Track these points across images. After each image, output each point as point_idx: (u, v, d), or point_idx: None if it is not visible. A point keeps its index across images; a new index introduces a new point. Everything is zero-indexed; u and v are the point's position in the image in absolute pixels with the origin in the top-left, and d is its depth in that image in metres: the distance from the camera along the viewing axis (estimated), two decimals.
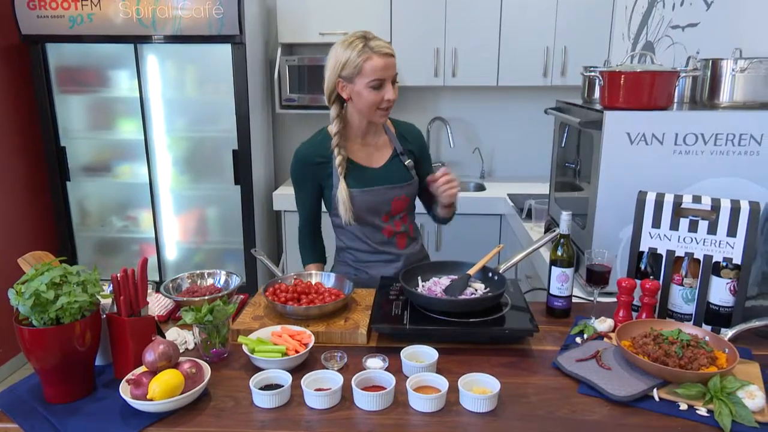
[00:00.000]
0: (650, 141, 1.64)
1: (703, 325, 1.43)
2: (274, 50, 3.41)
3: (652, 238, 1.44)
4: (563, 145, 2.18)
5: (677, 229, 1.41)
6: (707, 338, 1.28)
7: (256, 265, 3.29)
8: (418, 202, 1.88)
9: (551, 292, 1.51)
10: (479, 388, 1.16)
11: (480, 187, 3.57)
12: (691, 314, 1.44)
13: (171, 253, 3.41)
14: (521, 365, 1.30)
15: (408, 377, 1.19)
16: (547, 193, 2.35)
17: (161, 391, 1.06)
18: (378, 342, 1.41)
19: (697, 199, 1.41)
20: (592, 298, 1.48)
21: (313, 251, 1.89)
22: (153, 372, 1.11)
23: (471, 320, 1.38)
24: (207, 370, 1.18)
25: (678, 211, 1.42)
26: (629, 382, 1.17)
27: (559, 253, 1.49)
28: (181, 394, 1.09)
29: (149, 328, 1.21)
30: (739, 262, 1.36)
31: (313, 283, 1.62)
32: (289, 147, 3.77)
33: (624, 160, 1.66)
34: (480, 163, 3.66)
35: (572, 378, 1.23)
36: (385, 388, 1.15)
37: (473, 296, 1.47)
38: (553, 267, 1.50)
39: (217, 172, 3.20)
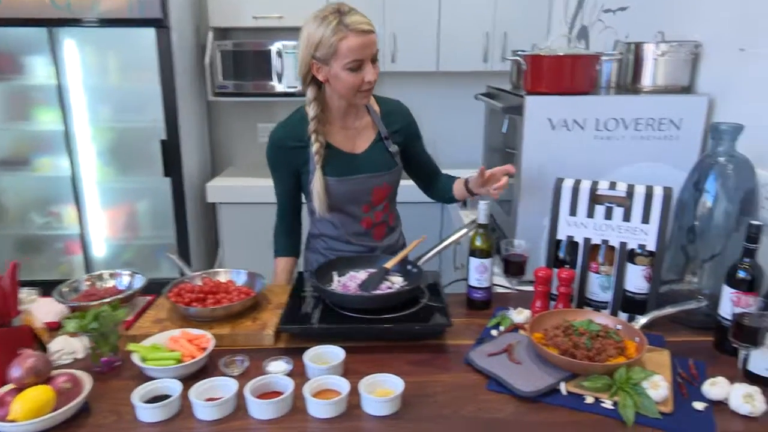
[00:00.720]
0: (572, 126, 1.61)
1: (620, 313, 1.40)
2: (206, 35, 3.26)
3: (569, 225, 1.41)
4: (505, 130, 2.14)
5: (593, 217, 1.38)
6: (619, 327, 1.26)
7: (190, 260, 3.16)
8: (402, 189, 1.77)
9: (470, 283, 1.47)
10: (382, 390, 1.10)
11: None
12: (608, 302, 1.41)
13: (99, 250, 3.24)
14: (434, 362, 1.25)
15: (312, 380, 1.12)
16: None
17: (25, 410, 0.96)
18: (287, 343, 1.33)
19: (612, 185, 1.38)
20: (513, 288, 1.45)
21: (286, 243, 1.74)
22: (21, 390, 1.01)
23: (383, 317, 1.32)
24: (87, 382, 1.08)
25: (594, 198, 1.38)
26: (538, 377, 1.14)
27: (477, 243, 1.44)
28: (52, 412, 0.99)
29: (21, 339, 1.10)
30: (653, 249, 1.34)
31: (224, 281, 1.53)
32: (226, 135, 3.63)
33: (546, 146, 1.62)
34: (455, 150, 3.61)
35: (483, 374, 1.19)
36: (284, 393, 1.08)
37: (387, 291, 1.41)
38: (471, 258, 1.45)
39: (145, 163, 3.04)
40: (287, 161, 1.62)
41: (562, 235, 1.42)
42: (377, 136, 1.65)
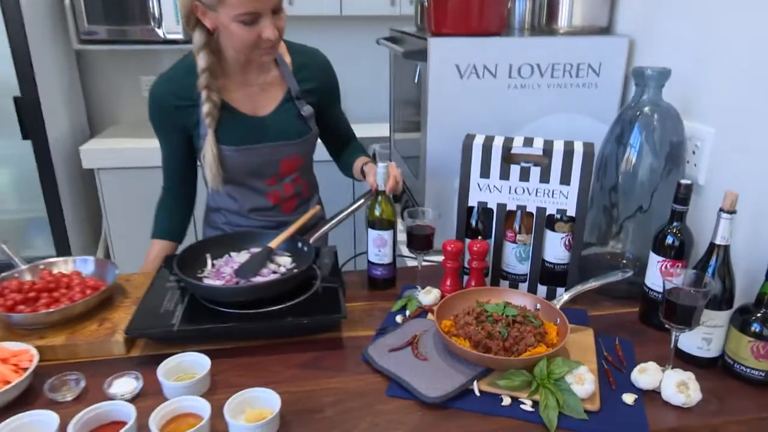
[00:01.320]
0: (482, 74, 1.40)
1: (539, 286, 1.25)
2: None
3: (481, 190, 1.21)
4: (417, 80, 1.91)
5: (508, 179, 1.19)
6: (538, 307, 1.10)
7: (68, 236, 2.75)
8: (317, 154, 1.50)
9: (370, 259, 1.25)
10: (255, 410, 0.87)
11: None
12: (526, 274, 1.25)
13: None
14: (325, 362, 1.04)
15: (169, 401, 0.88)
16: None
17: None
18: (145, 350, 1.07)
19: (528, 142, 1.20)
20: (416, 264, 1.25)
21: (167, 223, 1.42)
22: None
23: (264, 310, 1.08)
24: None
25: (508, 157, 1.19)
26: (447, 376, 0.95)
27: (376, 212, 1.22)
28: None
29: None
30: (573, 214, 1.17)
31: (68, 272, 1.23)
32: (104, 90, 3.16)
33: (454, 97, 1.41)
34: (357, 103, 3.32)
35: (384, 375, 0.99)
36: (126, 424, 0.83)
37: (268, 278, 1.16)
38: (370, 230, 1.23)
39: (1, 125, 2.56)
40: (172, 123, 1.31)
41: (473, 202, 1.23)
42: (287, 94, 1.35)
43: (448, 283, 1.21)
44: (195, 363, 0.98)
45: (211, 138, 1.27)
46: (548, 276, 1.24)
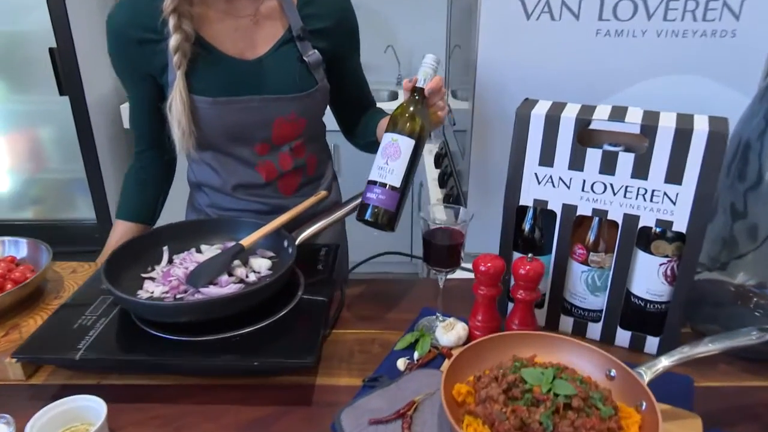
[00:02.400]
0: (559, 13, 0.98)
1: (619, 331, 0.84)
2: None
3: (540, 183, 0.82)
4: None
5: (582, 169, 0.79)
6: (613, 373, 0.70)
7: (107, 200, 2.61)
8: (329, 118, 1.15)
9: (370, 176, 0.85)
10: None
11: (394, 96, 2.88)
12: (600, 311, 0.85)
13: (1, 185, 2.70)
14: (277, 427, 0.71)
15: None
16: None
17: None
18: (51, 376, 0.79)
19: (618, 113, 0.78)
20: (436, 275, 0.87)
21: (134, 199, 1.12)
22: None
23: (200, 339, 0.77)
24: None
25: (585, 136, 0.78)
26: None
27: (406, 113, 0.84)
28: None
29: None
30: (683, 230, 0.75)
31: (2, 256, 0.98)
32: None
33: (517, 47, 1.00)
34: (396, 65, 2.94)
35: None
36: None
37: (224, 290, 0.84)
38: (384, 134, 0.85)
39: (38, 79, 2.43)
40: (136, 65, 1.00)
41: (527, 200, 0.83)
42: (286, 32, 1.01)
43: (479, 317, 0.83)
44: (89, 410, 0.68)
45: (180, 81, 0.95)
46: (635, 317, 0.83)
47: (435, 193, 1.52)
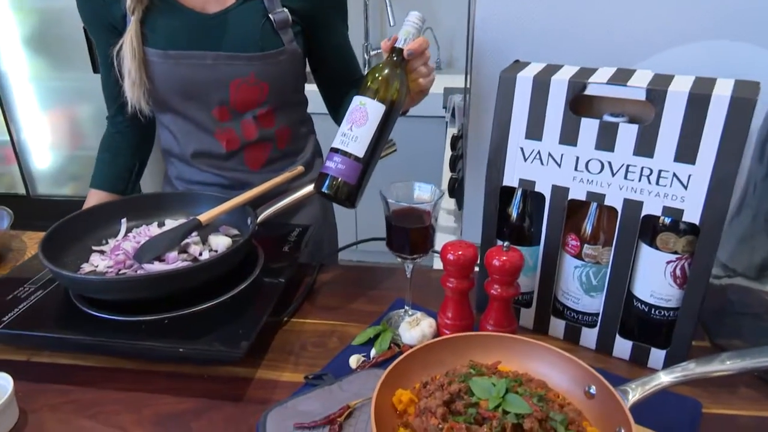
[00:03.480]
0: None
1: (618, 339, 0.71)
2: None
3: (526, 159, 0.69)
4: None
5: (575, 143, 0.66)
6: (593, 391, 0.57)
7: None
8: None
9: (333, 143, 0.74)
10: None
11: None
12: (597, 314, 0.72)
13: (41, 161, 2.77)
14: (198, 423, 0.63)
15: None
16: None
17: None
18: None
19: (621, 75, 0.64)
20: (403, 263, 0.75)
21: (110, 167, 1.06)
22: None
23: (131, 318, 0.69)
24: None
25: (582, 104, 0.65)
26: None
27: (377, 74, 0.74)
28: None
29: None
30: (696, 221, 0.61)
31: None
32: None
33: (516, 8, 0.87)
34: (435, 48, 2.81)
35: None
36: None
37: (169, 266, 0.76)
38: (355, 95, 0.75)
39: (73, 57, 2.46)
40: (97, 14, 0.94)
41: (512, 179, 0.71)
42: None
43: (449, 314, 0.71)
44: None
45: (133, 27, 0.88)
46: (638, 324, 0.70)
47: (447, 177, 1.40)
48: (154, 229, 0.86)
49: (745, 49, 0.83)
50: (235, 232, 0.88)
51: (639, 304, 0.69)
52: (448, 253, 0.68)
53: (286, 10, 0.91)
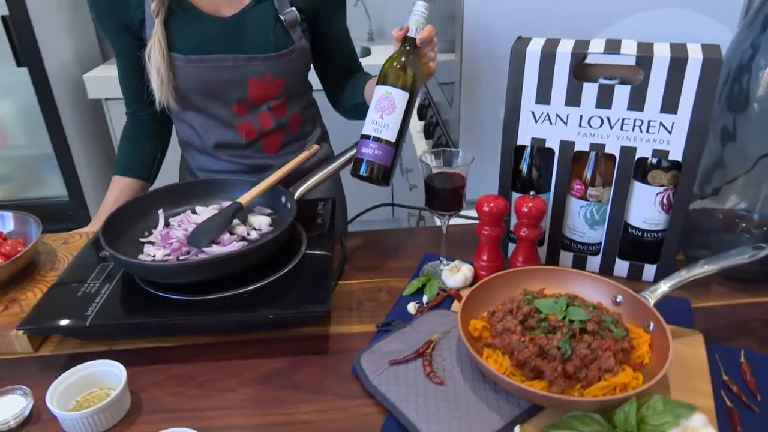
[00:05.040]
0: None
1: (618, 261, 0.87)
2: None
3: (537, 121, 0.82)
4: None
5: (579, 104, 0.79)
6: (620, 299, 0.73)
7: (77, 175, 2.53)
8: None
9: (363, 131, 0.83)
10: None
11: (366, 52, 2.82)
12: (599, 244, 0.87)
13: None
14: (297, 375, 0.72)
15: None
16: None
17: None
18: (59, 347, 0.78)
19: (613, 46, 0.78)
20: (440, 225, 0.88)
21: (132, 155, 1.10)
22: None
23: (209, 297, 0.76)
24: None
25: (581, 71, 0.79)
26: (474, 413, 0.61)
27: (395, 64, 0.82)
28: None
29: None
30: (679, 158, 0.77)
31: None
32: None
33: None
34: (366, 20, 2.87)
35: (379, 401, 0.66)
36: None
37: (228, 248, 0.83)
38: (377, 86, 0.84)
39: None
40: (117, 18, 0.97)
41: (524, 139, 0.84)
42: None
43: (485, 257, 0.84)
44: (108, 375, 0.68)
45: (159, 29, 0.93)
46: (633, 247, 0.86)
47: (421, 144, 1.52)
48: (194, 217, 0.91)
49: (686, 14, 1.00)
50: (269, 210, 0.95)
51: (634, 231, 0.85)
52: (483, 206, 0.80)
53: (294, 9, 0.98)
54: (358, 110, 1.09)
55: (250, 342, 0.77)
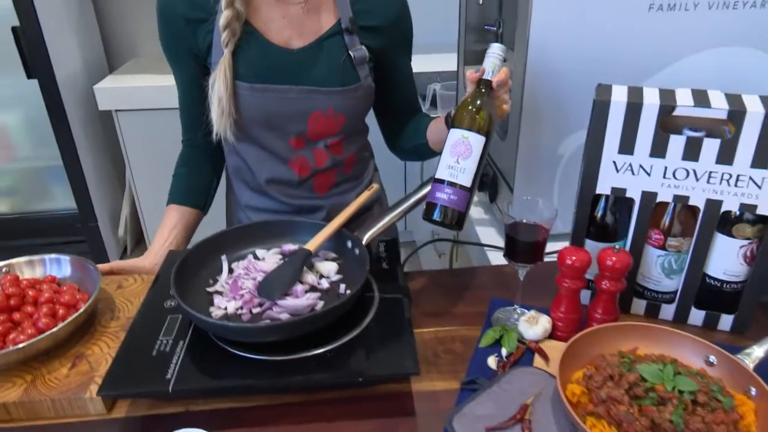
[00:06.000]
0: None
1: (693, 310, 0.86)
2: None
3: (618, 171, 0.81)
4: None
5: (664, 156, 0.78)
6: (713, 360, 0.71)
7: (88, 188, 2.48)
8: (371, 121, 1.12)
9: (437, 174, 0.81)
10: None
11: None
12: (674, 292, 0.86)
13: None
14: None
15: None
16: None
17: None
18: (132, 408, 0.75)
19: (701, 98, 0.77)
20: (517, 269, 0.85)
21: (187, 184, 1.08)
22: None
23: (295, 357, 0.74)
24: None
25: (668, 122, 0.77)
26: None
27: (470, 107, 0.81)
28: None
29: None
30: (766, 212, 0.76)
31: (40, 276, 0.91)
32: (119, 16, 2.77)
33: (569, 23, 0.97)
34: None
35: None
36: None
37: (305, 300, 0.81)
38: (452, 130, 0.82)
39: (3, 61, 2.24)
40: (183, 44, 0.97)
41: (604, 188, 0.83)
42: (336, 25, 0.97)
43: (563, 309, 0.83)
44: None
45: (226, 60, 0.92)
46: (709, 296, 0.85)
47: None
48: (260, 264, 0.88)
49: (750, 53, 1.00)
50: (334, 255, 0.93)
51: (712, 281, 0.84)
52: (566, 258, 0.79)
53: (364, 48, 0.96)
54: (418, 150, 1.07)
55: (332, 401, 0.75)
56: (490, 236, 1.17)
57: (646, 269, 0.86)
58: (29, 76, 2.22)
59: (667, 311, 0.88)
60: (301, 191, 1.07)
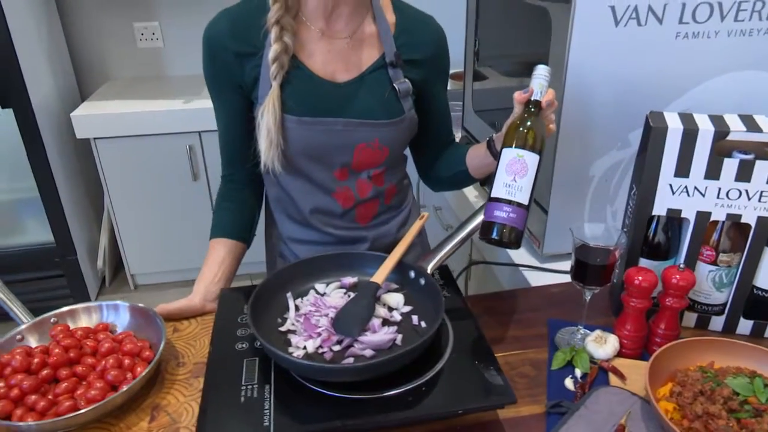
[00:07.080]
0: (645, 18, 1.00)
1: (741, 319, 0.91)
2: None
3: (674, 193, 0.85)
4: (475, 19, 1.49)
5: (718, 177, 0.83)
6: None
7: (66, 219, 2.37)
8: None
9: (494, 193, 0.82)
10: None
11: None
12: (723, 305, 0.91)
13: None
14: None
15: None
16: (462, 90, 1.67)
17: None
18: None
19: (751, 123, 0.83)
20: (582, 290, 0.88)
21: (232, 218, 1.06)
22: None
23: (385, 395, 0.74)
24: None
25: (721, 147, 0.83)
26: None
27: (521, 129, 0.83)
28: None
29: None
30: None
31: (92, 325, 0.88)
32: (89, 40, 2.67)
33: (606, 53, 1.02)
34: None
35: None
36: None
37: (385, 335, 0.81)
38: (505, 150, 0.84)
39: None
40: (229, 77, 0.96)
41: (660, 209, 0.87)
42: (380, 59, 0.98)
43: (629, 327, 0.86)
44: None
45: (275, 91, 0.92)
46: (757, 306, 0.90)
47: (470, 190, 1.53)
48: (328, 300, 0.88)
49: (762, 77, 1.07)
50: (396, 286, 0.93)
51: (760, 292, 0.89)
52: (633, 279, 0.82)
53: (408, 81, 0.97)
54: (456, 178, 1.09)
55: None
56: (521, 256, 1.20)
57: (697, 284, 0.91)
58: (3, 106, 2.11)
59: (716, 322, 0.93)
60: (344, 222, 1.07)
